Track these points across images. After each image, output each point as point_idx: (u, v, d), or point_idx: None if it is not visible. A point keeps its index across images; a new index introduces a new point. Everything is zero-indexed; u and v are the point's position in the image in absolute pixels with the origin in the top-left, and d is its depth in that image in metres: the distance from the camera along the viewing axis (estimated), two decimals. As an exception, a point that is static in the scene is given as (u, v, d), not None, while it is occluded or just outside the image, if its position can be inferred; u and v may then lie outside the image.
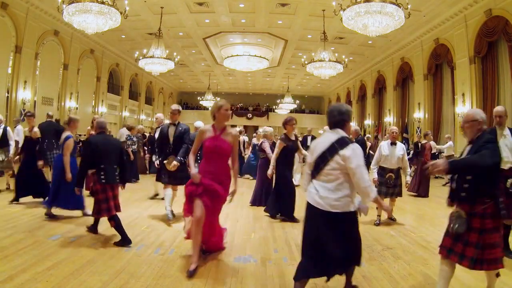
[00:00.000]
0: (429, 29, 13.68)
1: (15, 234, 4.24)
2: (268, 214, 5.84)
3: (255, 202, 6.71)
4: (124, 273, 3.23)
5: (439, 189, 9.86)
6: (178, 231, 4.70)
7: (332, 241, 2.59)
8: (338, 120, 2.76)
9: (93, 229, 4.48)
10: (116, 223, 4.10)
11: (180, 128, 5.31)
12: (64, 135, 5.17)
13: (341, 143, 2.65)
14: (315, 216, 2.67)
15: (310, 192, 2.73)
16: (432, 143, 9.13)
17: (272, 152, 6.87)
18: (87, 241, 4.15)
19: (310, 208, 2.72)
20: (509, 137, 4.08)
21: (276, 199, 5.77)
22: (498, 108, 4.24)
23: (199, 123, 6.78)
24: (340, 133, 2.73)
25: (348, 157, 2.58)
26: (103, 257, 3.62)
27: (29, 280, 2.98)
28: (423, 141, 9.14)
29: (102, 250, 3.86)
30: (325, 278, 2.76)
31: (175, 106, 5.52)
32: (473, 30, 11.43)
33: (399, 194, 5.69)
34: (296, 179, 8.52)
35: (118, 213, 4.22)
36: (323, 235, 2.62)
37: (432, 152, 9.07)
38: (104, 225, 4.84)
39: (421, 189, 8.35)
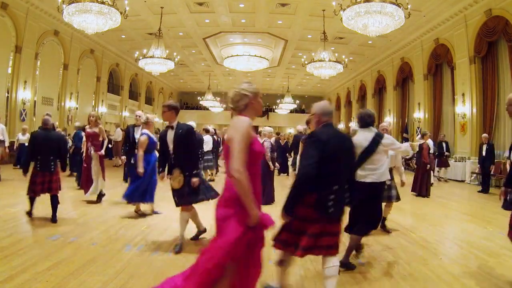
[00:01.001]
0: (429, 29, 13.68)
1: (15, 234, 4.24)
2: None
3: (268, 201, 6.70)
4: (124, 273, 3.23)
5: (440, 189, 9.87)
6: (178, 231, 4.70)
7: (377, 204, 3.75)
8: (372, 120, 3.76)
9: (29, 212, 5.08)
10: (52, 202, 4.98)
11: (181, 130, 4.05)
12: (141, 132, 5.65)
13: (380, 136, 3.68)
14: (367, 191, 3.58)
15: (361, 176, 3.58)
16: (429, 141, 9.10)
17: (272, 152, 6.99)
18: (87, 241, 4.15)
19: (363, 186, 3.55)
20: None
21: None
22: (510, 95, 3.21)
23: (191, 123, 6.55)
24: (374, 129, 3.73)
25: (390, 143, 3.76)
26: (103, 257, 3.61)
27: (29, 280, 2.97)
28: (421, 141, 9.13)
29: (102, 250, 3.85)
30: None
31: (166, 102, 4.33)
32: (473, 30, 11.43)
33: (396, 197, 5.01)
34: None
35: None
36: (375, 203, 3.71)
37: (430, 152, 9.04)
38: (105, 224, 4.85)
39: (422, 189, 8.36)
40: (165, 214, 5.57)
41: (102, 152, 6.48)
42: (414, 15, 10.74)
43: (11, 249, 3.71)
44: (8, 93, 11.95)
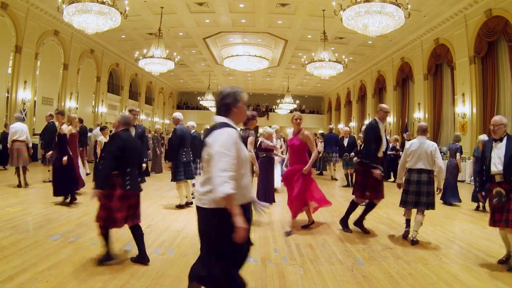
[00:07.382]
0: (429, 29, 13.68)
1: (15, 234, 4.24)
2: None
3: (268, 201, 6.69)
4: (124, 273, 3.23)
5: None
6: (178, 231, 4.71)
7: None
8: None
9: None
10: None
11: None
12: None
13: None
14: None
15: None
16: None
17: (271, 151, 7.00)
18: (87, 241, 4.15)
19: None
20: None
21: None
22: None
23: (191, 123, 7.71)
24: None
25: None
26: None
27: (29, 280, 2.97)
28: None
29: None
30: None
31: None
32: (473, 30, 11.43)
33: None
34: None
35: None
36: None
37: None
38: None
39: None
40: (165, 214, 5.58)
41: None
42: (414, 15, 10.74)
43: (11, 249, 3.71)
44: (8, 93, 11.94)
